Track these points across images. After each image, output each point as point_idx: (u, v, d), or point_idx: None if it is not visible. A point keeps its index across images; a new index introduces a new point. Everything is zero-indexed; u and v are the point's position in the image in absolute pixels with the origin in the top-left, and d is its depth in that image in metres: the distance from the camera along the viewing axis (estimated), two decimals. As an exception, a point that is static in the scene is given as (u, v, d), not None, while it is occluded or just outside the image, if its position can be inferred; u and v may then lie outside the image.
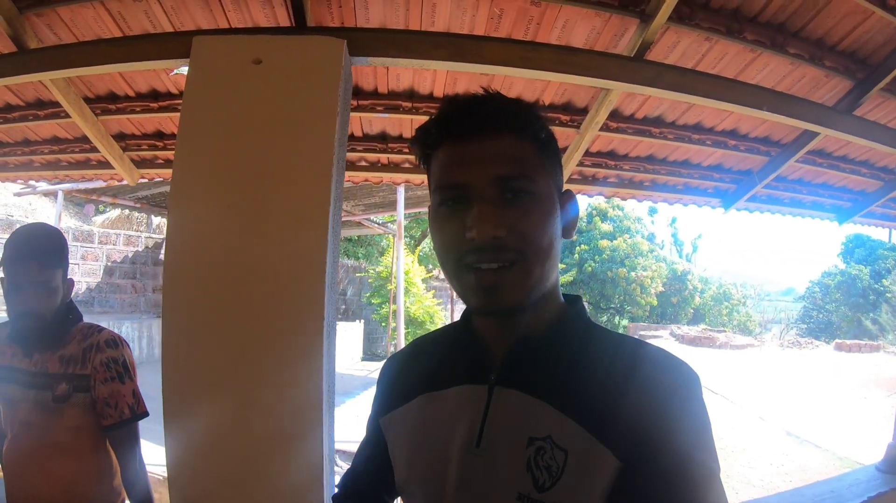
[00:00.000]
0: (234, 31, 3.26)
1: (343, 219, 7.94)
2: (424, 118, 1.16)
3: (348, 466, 1.54)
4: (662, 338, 31.28)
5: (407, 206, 13.86)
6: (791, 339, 32.39)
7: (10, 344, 2.66)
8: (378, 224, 18.46)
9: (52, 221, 15.64)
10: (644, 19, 3.21)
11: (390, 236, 21.46)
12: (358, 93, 4.02)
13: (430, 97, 4.14)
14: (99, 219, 22.85)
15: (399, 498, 1.33)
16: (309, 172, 2.77)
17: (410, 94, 4.13)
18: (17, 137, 5.22)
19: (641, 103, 4.27)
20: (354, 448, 1.53)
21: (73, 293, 2.75)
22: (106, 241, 18.41)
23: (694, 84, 3.40)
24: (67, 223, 19.04)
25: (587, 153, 4.71)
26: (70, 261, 2.75)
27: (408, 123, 4.36)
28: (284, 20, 3.21)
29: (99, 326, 2.74)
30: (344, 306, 24.06)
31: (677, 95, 3.45)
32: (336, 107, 2.82)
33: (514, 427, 1.10)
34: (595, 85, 3.57)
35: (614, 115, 4.28)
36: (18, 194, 16.56)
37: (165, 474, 2.72)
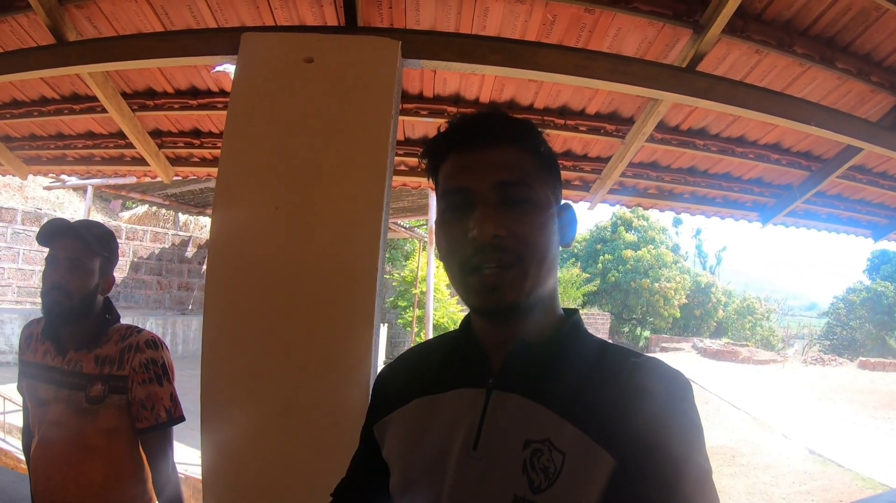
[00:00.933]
0: (281, 28, 3.23)
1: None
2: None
3: None
4: (685, 351, 31.12)
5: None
6: (814, 356, 32.09)
7: (43, 341, 2.60)
8: (405, 228, 18.40)
9: (80, 216, 15.75)
10: (697, 30, 3.15)
11: (415, 240, 21.44)
12: (403, 96, 3.96)
13: (475, 102, 4.10)
14: (126, 214, 23.01)
15: None
16: (363, 176, 2.71)
17: (456, 99, 4.09)
18: (51, 131, 5.22)
19: (687, 115, 4.20)
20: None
21: (110, 291, 2.69)
22: (133, 236, 18.58)
23: (745, 97, 3.32)
24: (95, 218, 19.16)
25: (629, 164, 4.64)
26: (116, 259, 2.69)
27: (451, 128, 4.21)
28: (332, 19, 3.18)
29: (138, 327, 2.66)
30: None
31: (728, 108, 3.36)
32: (391, 109, 2.77)
33: (512, 430, 1.13)
34: (648, 95, 3.50)
35: (659, 125, 4.20)
36: (48, 188, 16.73)
37: (196, 476, 2.67)
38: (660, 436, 1.03)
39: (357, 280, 2.66)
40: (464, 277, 1.16)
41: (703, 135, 4.43)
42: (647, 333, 38.09)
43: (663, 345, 33.80)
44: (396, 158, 4.69)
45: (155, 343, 2.60)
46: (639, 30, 3.24)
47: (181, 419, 2.62)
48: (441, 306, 19.17)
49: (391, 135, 2.77)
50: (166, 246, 19.61)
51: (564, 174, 4.89)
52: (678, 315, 38.38)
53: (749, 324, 40.30)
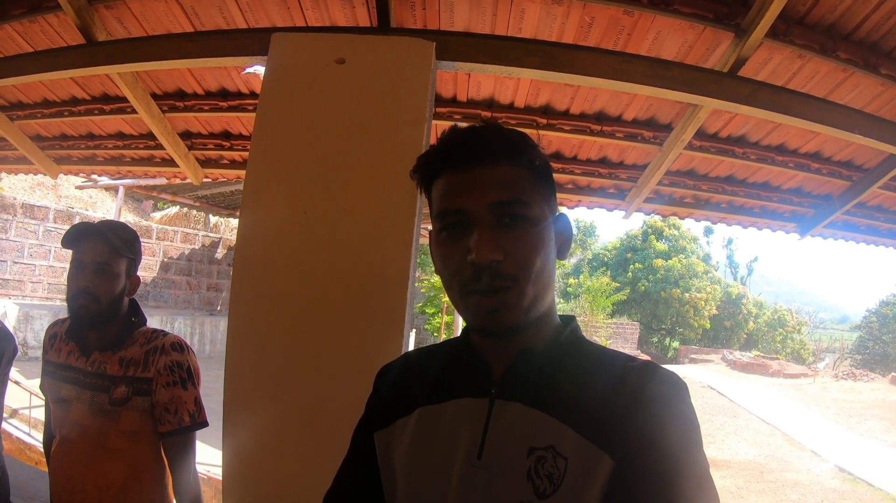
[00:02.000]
0: (312, 29, 3.19)
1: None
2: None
3: None
4: (714, 363, 30.86)
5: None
6: (845, 371, 31.56)
7: (68, 341, 2.57)
8: (435, 233, 18.49)
9: (111, 215, 15.95)
10: (739, 34, 3.06)
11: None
12: (436, 99, 3.85)
13: (510, 107, 4.04)
14: (157, 215, 23.28)
15: None
16: (395, 181, 2.64)
17: (490, 104, 4.03)
18: (82, 131, 5.27)
19: (727, 122, 4.09)
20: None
21: (136, 292, 2.65)
22: (163, 237, 18.81)
23: (788, 103, 3.21)
24: (126, 218, 19.49)
25: (666, 171, 4.53)
26: (140, 259, 2.65)
27: (486, 134, 4.16)
28: (364, 20, 3.14)
29: (164, 331, 2.62)
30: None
31: (770, 115, 3.26)
32: (425, 111, 2.71)
33: (516, 438, 1.14)
34: (688, 101, 3.39)
35: (698, 133, 4.09)
36: (80, 187, 16.95)
37: (219, 478, 2.63)
38: (657, 435, 1.04)
39: (387, 287, 2.61)
40: (463, 299, 1.16)
41: (742, 142, 4.32)
42: (676, 344, 37.82)
43: (692, 356, 33.56)
44: (429, 163, 4.64)
45: (181, 346, 2.55)
46: (678, 33, 3.16)
47: (204, 424, 2.57)
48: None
49: (425, 138, 2.70)
50: (196, 247, 19.80)
51: (599, 181, 4.85)
52: (708, 326, 38.09)
53: (780, 337, 39.87)
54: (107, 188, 17.60)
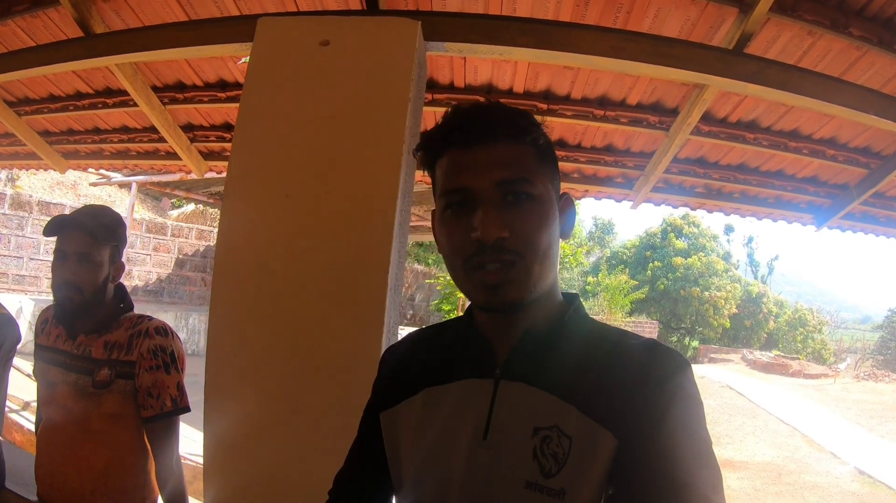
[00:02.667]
0: (301, 14, 3.18)
1: (413, 223, 7.75)
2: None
3: None
4: (733, 363, 30.59)
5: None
6: (867, 371, 31.20)
7: (56, 325, 2.61)
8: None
9: (125, 212, 16.04)
10: (743, 9, 2.97)
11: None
12: (433, 86, 3.88)
13: (509, 92, 3.96)
14: (174, 213, 23.47)
15: (395, 495, 1.36)
16: (377, 163, 2.62)
17: (488, 89, 3.96)
18: (88, 125, 5.33)
19: (736, 105, 3.96)
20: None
21: (123, 276, 2.66)
22: (179, 233, 18.96)
23: (799, 82, 3.09)
24: (143, 215, 19.66)
25: (674, 159, 4.44)
26: (124, 244, 2.67)
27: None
28: (355, 3, 3.11)
29: (149, 316, 2.64)
30: (412, 312, 24.42)
31: (780, 94, 3.14)
32: (408, 92, 2.65)
33: (521, 418, 1.16)
34: (692, 80, 3.31)
35: (706, 117, 3.98)
36: (94, 184, 17.06)
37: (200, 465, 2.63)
38: (660, 413, 1.06)
39: (368, 274, 2.57)
40: (467, 275, 1.18)
41: (753, 127, 4.19)
42: (695, 343, 37.48)
43: (712, 355, 33.29)
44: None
45: (165, 330, 2.57)
46: (680, 10, 3.06)
47: (186, 409, 2.58)
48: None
49: (409, 119, 2.66)
50: (211, 244, 19.91)
51: (606, 170, 4.77)
52: (728, 325, 37.77)
53: (800, 337, 39.44)
54: (121, 185, 17.75)
